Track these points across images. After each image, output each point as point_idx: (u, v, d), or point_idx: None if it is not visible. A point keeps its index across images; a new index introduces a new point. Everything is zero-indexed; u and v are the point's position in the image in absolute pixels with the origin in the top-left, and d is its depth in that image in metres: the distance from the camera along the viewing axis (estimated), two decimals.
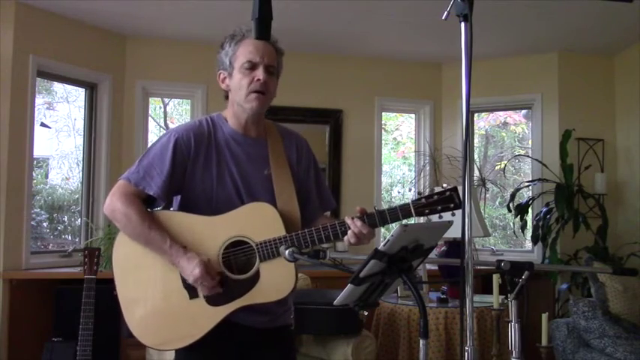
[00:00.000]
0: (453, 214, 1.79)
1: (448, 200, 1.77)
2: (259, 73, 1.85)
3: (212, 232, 1.82)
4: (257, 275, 1.81)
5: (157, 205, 1.91)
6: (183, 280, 1.81)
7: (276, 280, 1.81)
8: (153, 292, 1.84)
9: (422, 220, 2.07)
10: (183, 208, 1.90)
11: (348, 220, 1.77)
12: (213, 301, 1.80)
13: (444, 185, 1.79)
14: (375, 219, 1.77)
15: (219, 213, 1.84)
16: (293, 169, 1.97)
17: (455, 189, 1.78)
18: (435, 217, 1.80)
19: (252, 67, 1.86)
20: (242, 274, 1.82)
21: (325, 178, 2.16)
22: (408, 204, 1.78)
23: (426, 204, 1.77)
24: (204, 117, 1.98)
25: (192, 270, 1.75)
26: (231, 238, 1.82)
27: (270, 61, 1.87)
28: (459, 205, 1.76)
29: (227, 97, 1.96)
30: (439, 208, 1.77)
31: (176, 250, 1.78)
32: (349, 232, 1.77)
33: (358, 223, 1.76)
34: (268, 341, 1.93)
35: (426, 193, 1.79)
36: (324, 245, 5.14)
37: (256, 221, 1.83)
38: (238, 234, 1.82)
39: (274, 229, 1.81)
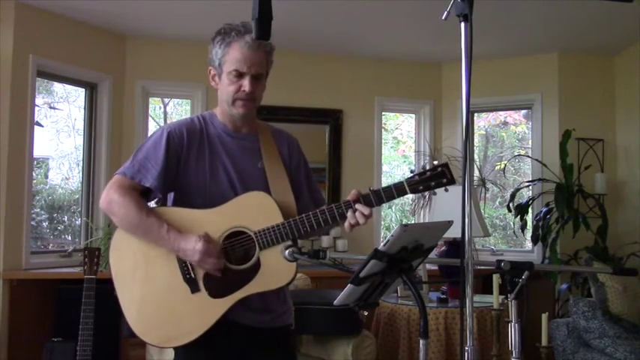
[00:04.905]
0: (447, 190, 1.82)
1: (440, 176, 1.78)
2: (246, 84, 1.86)
3: (209, 224, 1.82)
4: (258, 264, 1.81)
5: (152, 199, 1.92)
6: (184, 275, 1.81)
7: (277, 267, 1.80)
8: (153, 289, 1.83)
9: (422, 214, 2.07)
10: (178, 204, 1.91)
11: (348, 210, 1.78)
12: (215, 293, 1.80)
13: (435, 162, 1.80)
14: (371, 199, 1.78)
15: (214, 207, 1.84)
16: (285, 163, 1.98)
17: (446, 164, 1.80)
18: (429, 193, 1.80)
19: (240, 75, 1.87)
20: (242, 265, 1.82)
21: (315, 177, 2.17)
22: (402, 182, 1.79)
23: (419, 180, 1.79)
24: (196, 115, 2.01)
25: (194, 245, 1.75)
26: (228, 230, 1.82)
27: (257, 69, 1.87)
28: (452, 180, 1.79)
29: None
30: (432, 184, 1.79)
31: (174, 234, 1.79)
32: (349, 213, 1.78)
33: (357, 205, 1.77)
34: (269, 341, 1.93)
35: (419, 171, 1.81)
36: (324, 245, 5.11)
37: (252, 210, 1.83)
38: (235, 224, 1.82)
39: (271, 216, 1.81)
